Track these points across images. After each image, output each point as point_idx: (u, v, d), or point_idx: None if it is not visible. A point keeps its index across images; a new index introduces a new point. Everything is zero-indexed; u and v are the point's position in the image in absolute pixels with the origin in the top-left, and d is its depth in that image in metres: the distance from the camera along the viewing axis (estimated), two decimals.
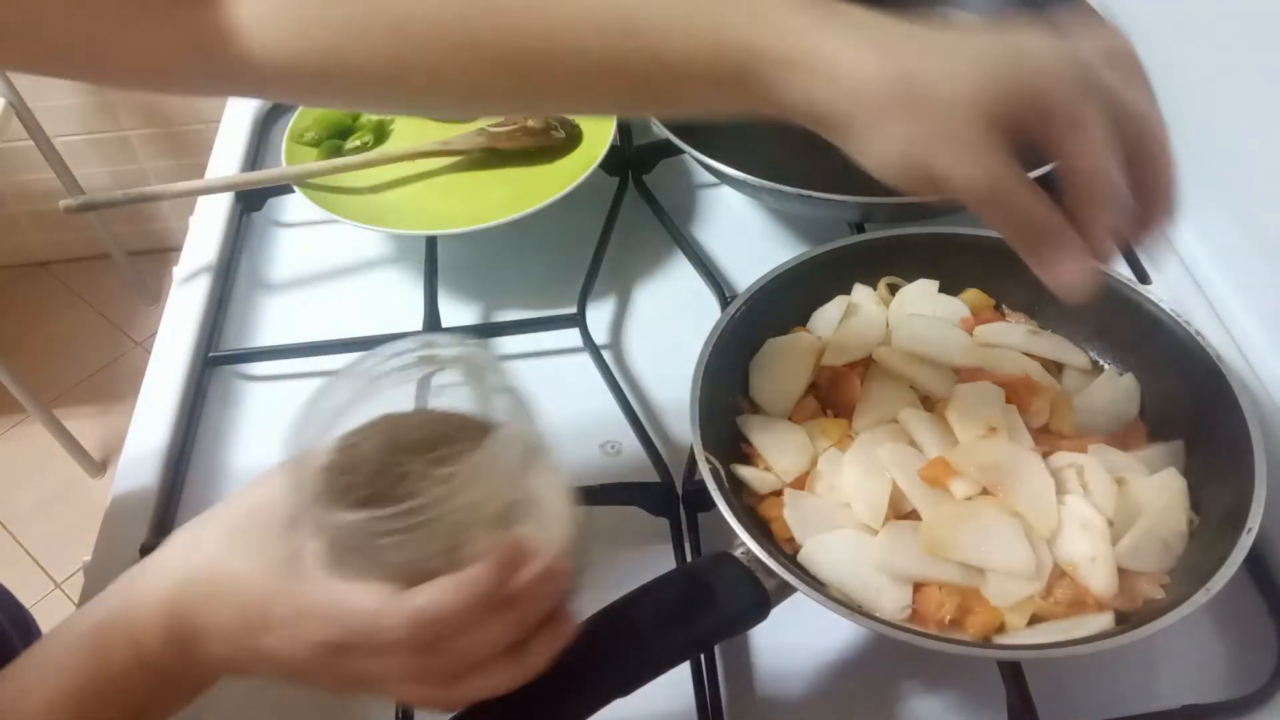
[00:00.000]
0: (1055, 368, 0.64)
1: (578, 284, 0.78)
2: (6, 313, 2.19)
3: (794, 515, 0.57)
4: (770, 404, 0.64)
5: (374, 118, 0.90)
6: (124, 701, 0.43)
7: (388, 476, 0.41)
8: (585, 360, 0.74)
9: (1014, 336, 0.65)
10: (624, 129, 0.90)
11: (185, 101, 1.96)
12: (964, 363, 0.63)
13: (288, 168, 0.84)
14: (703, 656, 0.57)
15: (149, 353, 0.78)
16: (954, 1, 0.92)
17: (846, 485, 0.58)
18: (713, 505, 0.54)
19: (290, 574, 0.40)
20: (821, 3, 0.43)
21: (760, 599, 0.50)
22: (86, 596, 0.63)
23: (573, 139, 0.86)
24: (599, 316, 0.78)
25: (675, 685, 0.55)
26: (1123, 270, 0.73)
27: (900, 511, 0.56)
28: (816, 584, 0.53)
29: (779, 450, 0.60)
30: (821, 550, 0.55)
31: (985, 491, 0.55)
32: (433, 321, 0.76)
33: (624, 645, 0.48)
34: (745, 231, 0.84)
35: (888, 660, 0.58)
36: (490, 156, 0.87)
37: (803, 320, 0.68)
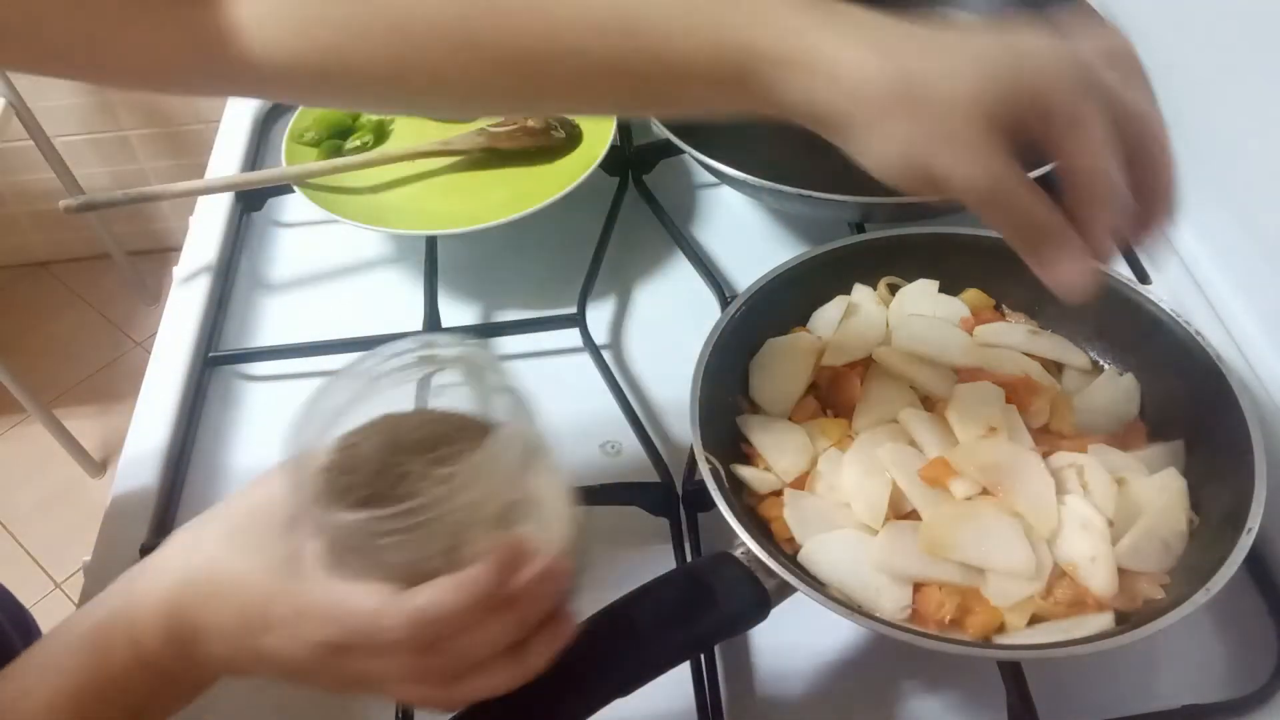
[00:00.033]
0: (1055, 368, 0.64)
1: (578, 284, 0.78)
2: (6, 313, 2.19)
3: (794, 515, 0.57)
4: (770, 404, 0.64)
5: (374, 118, 0.90)
6: (124, 701, 0.42)
7: (388, 476, 0.41)
8: (585, 360, 0.74)
9: (1014, 336, 0.65)
10: (624, 129, 0.90)
11: (185, 101, 1.96)
12: (964, 363, 0.63)
13: (288, 168, 0.84)
14: (703, 656, 0.57)
15: (149, 353, 0.78)
16: (954, 1, 0.93)
17: (846, 485, 0.58)
18: (713, 505, 0.54)
19: (290, 574, 0.40)
20: (821, 3, 0.43)
21: (760, 599, 0.50)
22: (86, 596, 0.63)
23: (573, 139, 0.86)
24: (599, 316, 0.78)
25: (675, 685, 0.55)
26: (1123, 270, 0.73)
27: (900, 511, 0.56)
28: (816, 584, 0.53)
29: (779, 450, 0.60)
30: (821, 550, 0.55)
31: (985, 491, 0.55)
32: (433, 321, 0.76)
33: (624, 645, 0.48)
34: (745, 231, 0.84)
35: (888, 660, 0.58)
36: (490, 156, 0.87)
37: (803, 320, 0.68)
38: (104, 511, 0.68)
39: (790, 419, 0.63)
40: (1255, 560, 0.59)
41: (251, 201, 0.89)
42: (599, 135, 0.85)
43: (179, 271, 0.84)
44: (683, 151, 0.78)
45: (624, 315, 0.79)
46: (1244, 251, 0.71)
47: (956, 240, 0.67)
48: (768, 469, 0.60)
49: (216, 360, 0.77)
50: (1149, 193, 0.43)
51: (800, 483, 0.59)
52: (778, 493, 0.59)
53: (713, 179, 0.82)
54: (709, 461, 0.56)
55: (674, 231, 0.82)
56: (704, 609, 0.50)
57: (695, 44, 0.43)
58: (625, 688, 0.48)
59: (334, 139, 0.87)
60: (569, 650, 0.42)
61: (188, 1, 0.47)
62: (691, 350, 0.61)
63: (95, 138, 2.04)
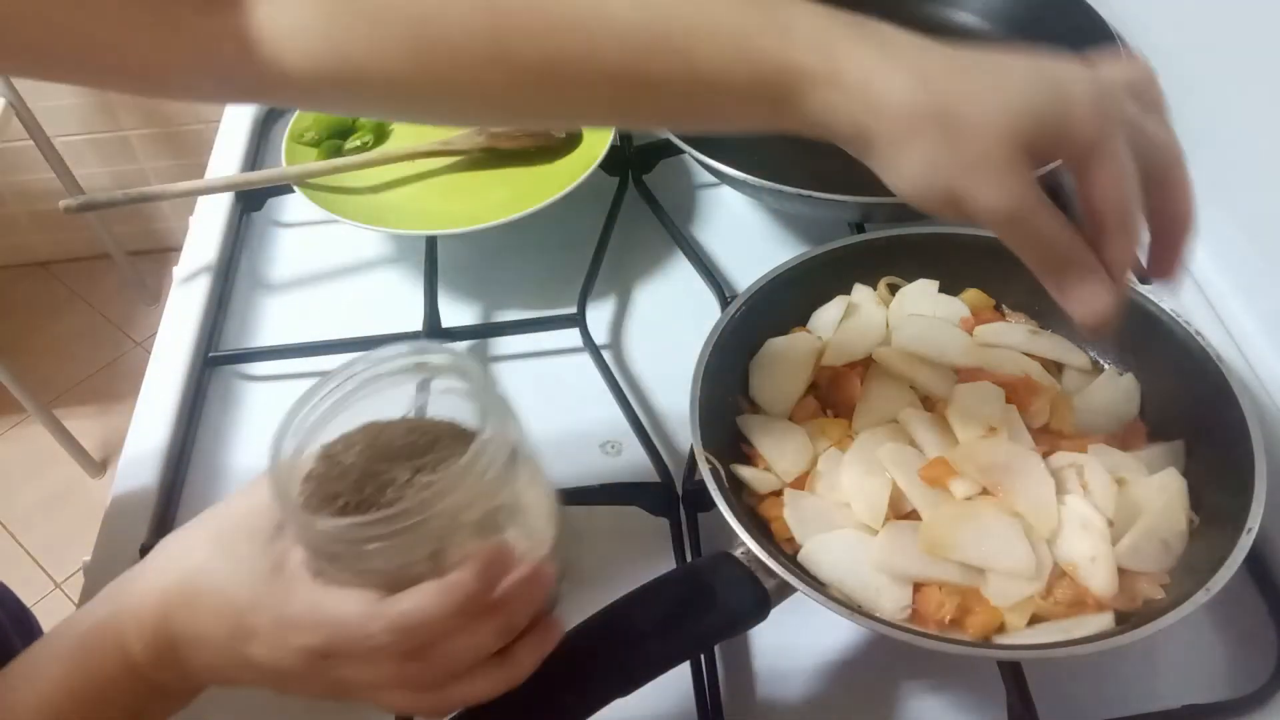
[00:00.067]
0: (1055, 368, 0.64)
1: (578, 284, 0.78)
2: (7, 313, 2.19)
3: (794, 515, 0.57)
4: (770, 404, 0.64)
5: None
6: (112, 710, 0.43)
7: (372, 484, 0.41)
8: (585, 360, 0.74)
9: (1014, 336, 0.65)
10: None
11: (186, 102, 1.96)
12: (964, 363, 0.63)
13: (288, 168, 0.84)
14: (703, 656, 0.57)
15: (149, 353, 0.78)
16: (954, 1, 0.93)
17: (846, 485, 0.58)
18: (713, 505, 0.54)
19: (275, 581, 0.40)
20: (853, 20, 0.43)
21: (760, 599, 0.50)
22: (86, 596, 0.63)
23: (573, 139, 0.86)
24: (599, 316, 0.78)
25: (675, 685, 0.55)
26: None
27: (900, 511, 0.56)
28: (816, 584, 0.53)
29: (779, 450, 0.60)
30: (821, 550, 0.55)
31: (985, 491, 0.55)
32: (433, 321, 0.76)
33: (624, 645, 0.48)
34: (745, 231, 0.84)
35: (888, 660, 0.58)
36: (490, 156, 0.87)
37: (803, 320, 0.68)
38: (104, 511, 0.68)
39: (790, 419, 0.63)
40: (1255, 560, 0.59)
41: (251, 201, 0.89)
42: (599, 135, 0.85)
43: (179, 271, 0.84)
44: (683, 151, 0.78)
45: (624, 315, 0.79)
46: (1244, 251, 0.71)
47: (956, 240, 0.67)
48: (768, 469, 0.60)
49: (216, 360, 0.77)
50: (1168, 221, 0.43)
51: (800, 483, 0.59)
52: (778, 493, 0.59)
53: (713, 179, 0.82)
54: (709, 461, 0.56)
55: (674, 231, 0.82)
56: (704, 609, 0.50)
57: (728, 59, 0.43)
58: (625, 688, 0.48)
59: (334, 139, 0.87)
60: (569, 650, 0.42)
61: (202, 8, 0.46)
62: (691, 350, 0.61)
63: (95, 138, 2.04)
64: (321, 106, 0.64)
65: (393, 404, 0.44)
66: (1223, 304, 0.72)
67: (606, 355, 0.75)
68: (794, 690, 0.58)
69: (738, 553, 0.52)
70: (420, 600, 0.38)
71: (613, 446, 0.70)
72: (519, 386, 0.75)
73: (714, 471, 0.56)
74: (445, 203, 0.83)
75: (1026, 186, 0.40)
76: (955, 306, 0.68)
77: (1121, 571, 0.53)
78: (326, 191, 0.82)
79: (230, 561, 0.41)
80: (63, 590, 1.74)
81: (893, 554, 0.54)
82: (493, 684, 0.41)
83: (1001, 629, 0.53)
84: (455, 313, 0.79)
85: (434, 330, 0.76)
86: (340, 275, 0.85)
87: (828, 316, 0.67)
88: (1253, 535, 0.50)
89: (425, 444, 0.42)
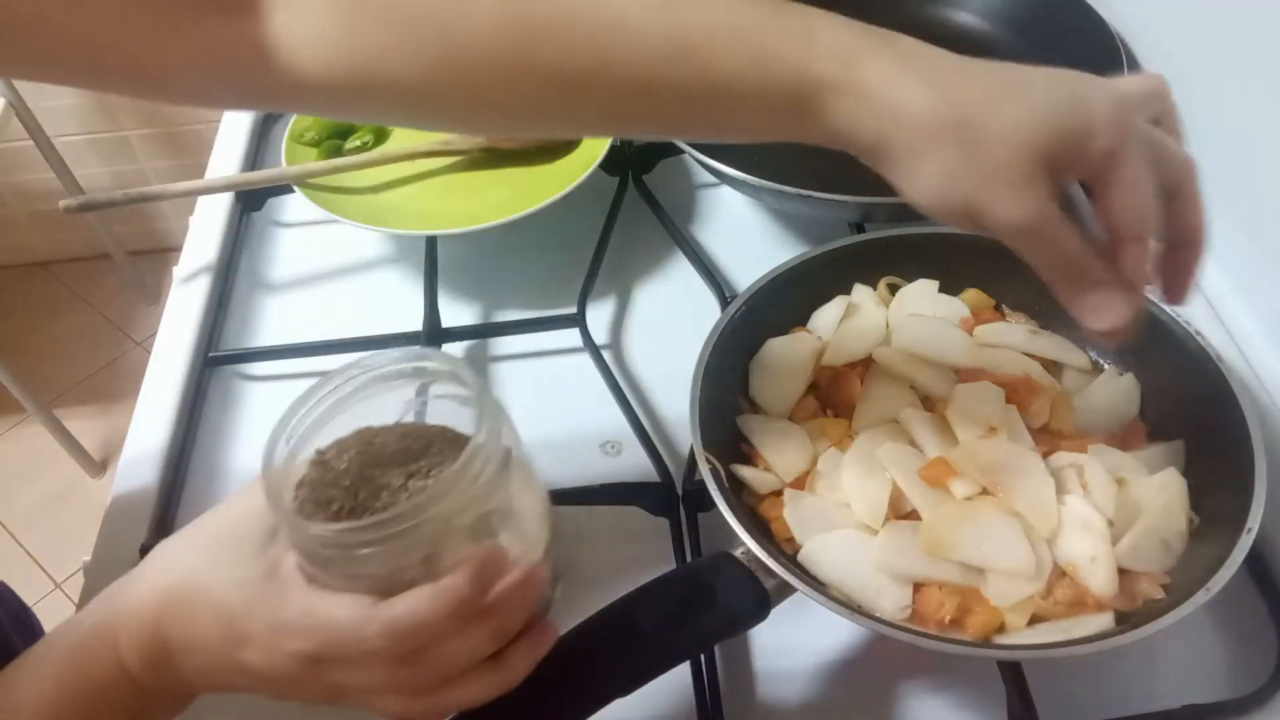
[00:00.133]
0: (1055, 368, 0.64)
1: (578, 284, 0.78)
2: (7, 313, 2.19)
3: (794, 515, 0.57)
4: (770, 404, 0.64)
5: None
6: (110, 714, 0.43)
7: (366, 489, 0.41)
8: (585, 360, 0.74)
9: (1014, 336, 0.65)
10: None
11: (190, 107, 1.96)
12: (964, 363, 0.63)
13: (288, 168, 0.84)
14: (703, 656, 0.57)
15: (149, 353, 0.78)
16: (955, 2, 0.93)
17: (846, 485, 0.58)
18: (713, 505, 0.54)
19: (269, 586, 0.40)
20: (874, 31, 0.43)
21: (760, 599, 0.50)
22: (86, 596, 0.63)
23: (573, 139, 0.86)
24: (599, 316, 0.78)
25: (675, 685, 0.55)
26: None
27: (900, 511, 0.56)
28: (816, 584, 0.53)
29: (779, 450, 0.60)
30: (821, 550, 0.55)
31: (985, 491, 0.55)
32: (433, 321, 0.76)
33: (624, 645, 0.48)
34: (745, 231, 0.84)
35: (888, 660, 0.58)
36: (490, 156, 0.87)
37: (803, 320, 0.68)
38: (104, 511, 0.68)
39: (790, 419, 0.63)
40: (1255, 560, 0.59)
41: (251, 201, 0.89)
42: None
43: (179, 271, 0.84)
44: (683, 151, 0.78)
45: (624, 315, 0.79)
46: (1244, 251, 0.71)
47: (956, 240, 0.67)
48: (768, 469, 0.60)
49: (216, 360, 0.77)
50: (1181, 234, 0.44)
51: (800, 483, 0.59)
52: (778, 493, 0.59)
53: (713, 179, 0.82)
54: (709, 461, 0.56)
55: (674, 231, 0.82)
56: (704, 609, 0.50)
57: (747, 68, 0.43)
58: (625, 688, 0.48)
59: (334, 139, 0.87)
60: (569, 650, 0.43)
61: (217, 14, 0.46)
62: (691, 350, 0.61)
63: (95, 138, 2.04)
64: (335, 114, 0.64)
65: (386, 409, 0.44)
66: (1223, 304, 0.72)
67: (606, 355, 0.75)
68: (794, 690, 0.58)
69: (738, 553, 0.52)
70: (414, 604, 0.38)
71: (613, 446, 0.70)
72: (519, 387, 0.75)
73: (714, 471, 0.56)
74: (445, 203, 0.83)
75: (1044, 200, 0.40)
76: (955, 306, 0.68)
77: (1121, 571, 0.53)
78: (326, 191, 0.82)
79: (224, 567, 0.41)
80: (63, 590, 1.74)
81: (893, 554, 0.54)
82: (486, 688, 0.41)
83: (1001, 629, 0.53)
84: (455, 313, 0.79)
85: (434, 330, 0.76)
86: (340, 275, 0.85)
87: (828, 316, 0.67)
88: (1253, 535, 0.50)
89: (418, 449, 0.43)
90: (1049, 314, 0.67)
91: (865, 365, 0.64)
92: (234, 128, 0.97)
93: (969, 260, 0.68)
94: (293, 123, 0.88)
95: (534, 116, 0.49)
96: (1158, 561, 0.54)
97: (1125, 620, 0.52)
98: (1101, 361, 0.66)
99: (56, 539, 1.81)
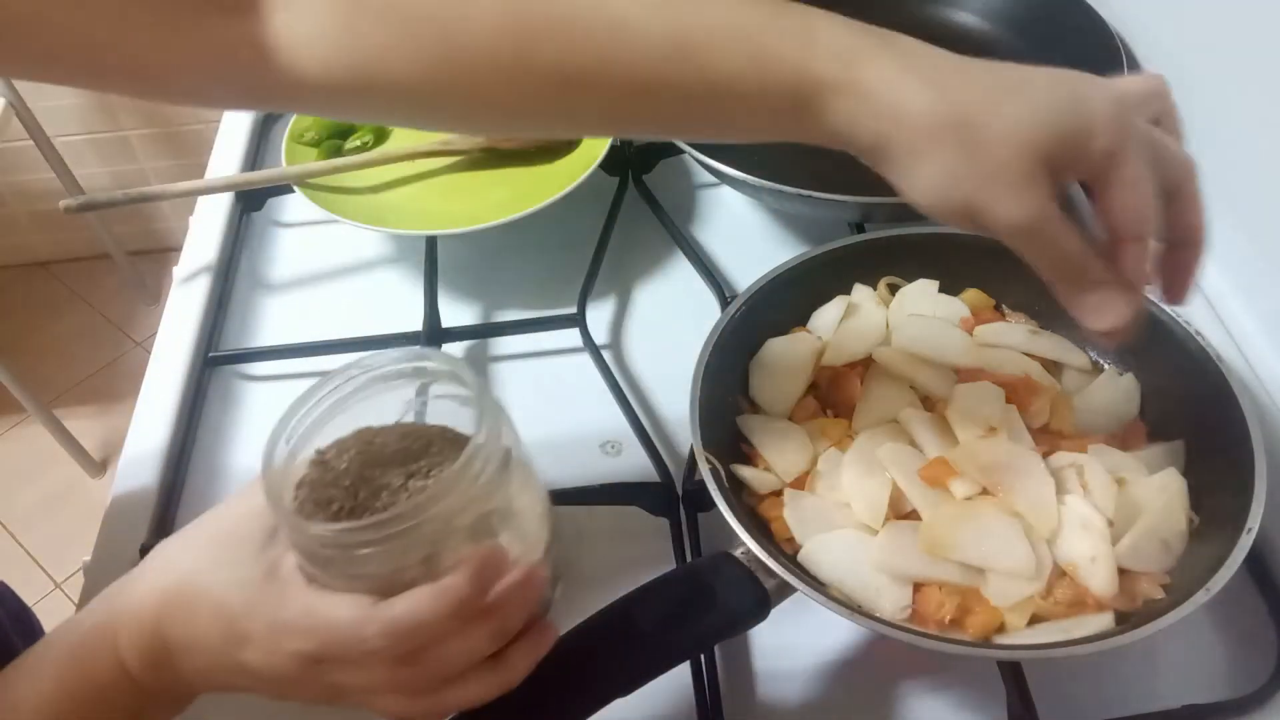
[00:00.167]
0: (1055, 368, 0.64)
1: (578, 284, 0.78)
2: (6, 313, 2.19)
3: (794, 515, 0.57)
4: (770, 404, 0.64)
5: None
6: (110, 714, 0.43)
7: (366, 489, 0.41)
8: (585, 360, 0.74)
9: (1014, 336, 0.65)
10: None
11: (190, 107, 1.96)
12: (964, 363, 0.63)
13: (288, 168, 0.84)
14: (703, 656, 0.57)
15: (149, 353, 0.78)
16: (954, 2, 0.93)
17: (846, 485, 0.58)
18: (713, 505, 0.54)
19: (269, 587, 0.40)
20: (874, 31, 0.43)
21: (760, 599, 0.50)
22: (87, 596, 0.63)
23: (573, 139, 0.86)
24: (599, 316, 0.78)
25: (675, 685, 0.55)
26: None
27: (900, 511, 0.56)
28: (816, 584, 0.53)
29: (779, 450, 0.60)
30: (821, 550, 0.55)
31: (985, 491, 0.55)
32: (433, 321, 0.76)
33: (624, 645, 0.48)
34: (745, 231, 0.84)
35: (888, 660, 0.58)
36: (490, 156, 0.87)
37: (803, 320, 0.68)
38: (104, 511, 0.68)
39: (790, 419, 0.63)
40: (1255, 560, 0.59)
41: (251, 201, 0.89)
42: None
43: (179, 271, 0.84)
44: (683, 151, 0.78)
45: (624, 315, 0.79)
46: (1244, 251, 0.71)
47: (956, 240, 0.67)
48: (768, 469, 0.60)
49: (216, 360, 0.77)
50: (1181, 235, 0.44)
51: (800, 483, 0.59)
52: (778, 493, 0.59)
53: (713, 179, 0.82)
54: (709, 461, 0.56)
55: (674, 231, 0.82)
56: (704, 609, 0.50)
57: (748, 68, 0.43)
58: (625, 688, 0.48)
59: (334, 139, 0.87)
60: (569, 650, 0.42)
61: (217, 14, 0.46)
62: (691, 350, 0.61)
63: (95, 138, 2.04)
64: (335, 114, 0.63)
65: (386, 409, 0.44)
66: (1223, 304, 0.72)
67: (606, 355, 0.75)
68: (794, 690, 0.58)
69: (738, 553, 0.52)
70: (413, 604, 0.38)
71: (613, 446, 0.70)
72: (519, 387, 0.75)
73: (714, 471, 0.56)
74: (445, 203, 0.83)
75: (1045, 200, 0.40)
76: (955, 306, 0.68)
77: (1121, 571, 0.53)
78: (326, 191, 0.82)
79: (224, 567, 0.41)
80: (63, 590, 1.74)
81: (893, 554, 0.54)
82: (486, 688, 0.41)
83: (1001, 629, 0.53)
84: (455, 313, 0.79)
85: (434, 330, 0.76)
86: (340, 275, 0.85)
87: (828, 316, 0.67)
88: (1253, 535, 0.50)
89: (418, 449, 0.43)
90: (1049, 314, 0.67)
91: (865, 365, 0.64)
92: (234, 128, 0.97)
93: (969, 260, 0.68)
94: (293, 123, 0.88)
95: (534, 116, 0.49)
96: (1158, 561, 0.54)
97: (1125, 620, 0.52)
98: (1101, 361, 0.66)
99: (56, 539, 1.81)
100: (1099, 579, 0.52)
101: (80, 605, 0.51)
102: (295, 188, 0.83)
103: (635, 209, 0.85)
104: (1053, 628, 0.52)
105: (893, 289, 0.69)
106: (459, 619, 0.39)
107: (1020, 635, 0.52)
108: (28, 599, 0.73)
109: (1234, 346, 0.70)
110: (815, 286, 0.68)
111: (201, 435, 0.73)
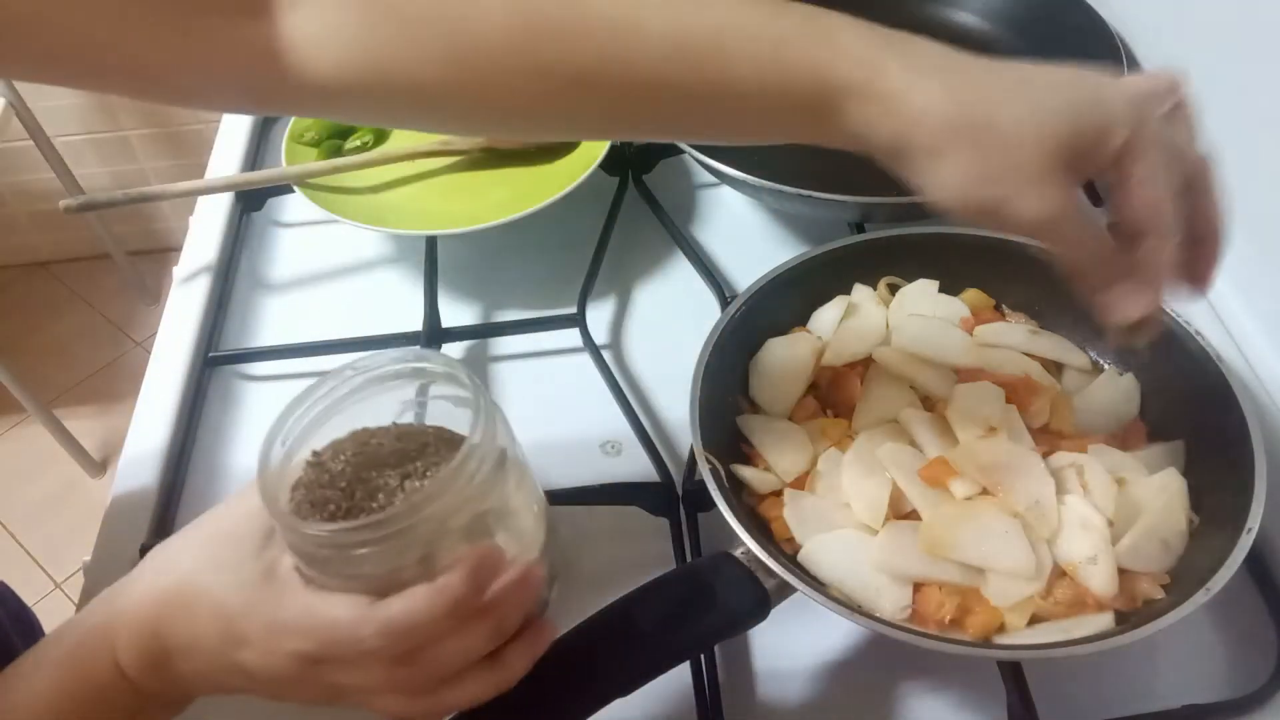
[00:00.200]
0: (1055, 368, 0.64)
1: (578, 284, 0.78)
2: (6, 313, 2.19)
3: (794, 515, 0.57)
4: (770, 404, 0.64)
5: None
6: (109, 714, 0.43)
7: (362, 489, 0.41)
8: (585, 360, 0.74)
9: (1014, 336, 0.65)
10: None
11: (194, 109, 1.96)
12: (964, 363, 0.63)
13: (288, 168, 0.84)
14: (703, 656, 0.57)
15: (149, 353, 0.78)
16: (954, 1, 0.93)
17: (846, 485, 0.58)
18: (713, 505, 0.54)
19: (266, 587, 0.40)
20: (888, 32, 0.43)
21: (760, 599, 0.50)
22: (86, 596, 0.63)
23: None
24: (599, 316, 0.78)
25: (675, 685, 0.55)
26: None
27: (900, 511, 0.56)
28: (816, 584, 0.53)
29: (779, 450, 0.60)
30: (821, 550, 0.55)
31: (985, 491, 0.55)
32: (432, 321, 0.76)
33: (624, 645, 0.48)
34: (745, 231, 0.84)
35: (888, 660, 0.58)
36: (490, 156, 0.87)
37: (803, 320, 0.68)
38: (104, 511, 0.68)
39: (790, 419, 0.63)
40: (1255, 560, 0.59)
41: (251, 201, 0.89)
42: None
43: (179, 271, 0.84)
44: (683, 151, 0.78)
45: (624, 315, 0.79)
46: (1244, 252, 0.70)
47: (956, 240, 0.67)
48: (768, 469, 0.60)
49: (216, 360, 0.77)
50: (1200, 230, 0.44)
51: (800, 483, 0.59)
52: (778, 493, 0.59)
53: (713, 179, 0.82)
54: (709, 461, 0.56)
55: (674, 231, 0.82)
56: (704, 609, 0.50)
57: (763, 70, 0.43)
58: (625, 688, 0.48)
59: (334, 139, 0.87)
60: (569, 650, 0.42)
61: (226, 14, 0.45)
62: (691, 350, 0.61)
63: (95, 138, 2.04)
64: (342, 115, 0.63)
65: (383, 410, 0.44)
66: (1223, 304, 0.72)
67: (606, 355, 0.75)
68: (794, 690, 0.58)
69: (738, 553, 0.52)
70: (410, 604, 0.38)
71: (613, 446, 0.70)
72: (519, 387, 0.75)
73: (714, 471, 0.56)
74: (445, 203, 0.83)
75: (1065, 195, 0.41)
76: (955, 306, 0.68)
77: (1121, 571, 0.53)
78: (326, 191, 0.82)
79: (221, 568, 0.41)
80: (63, 590, 1.74)
81: (893, 554, 0.54)
82: (484, 687, 0.41)
83: (1001, 629, 0.53)
84: (455, 313, 0.79)
85: (434, 330, 0.76)
86: (340, 275, 0.85)
87: (828, 316, 0.67)
88: (1253, 535, 0.50)
89: (414, 450, 0.43)
90: (1049, 314, 0.67)
91: (865, 365, 0.64)
92: (234, 128, 0.97)
93: (969, 260, 0.68)
94: (293, 123, 0.88)
95: (544, 118, 0.49)
96: (1158, 561, 0.54)
97: (1125, 620, 0.52)
98: (1101, 361, 0.66)
99: (56, 539, 1.81)
100: (1099, 579, 0.52)
101: (80, 605, 0.52)
102: (295, 188, 0.83)
103: (635, 209, 0.85)
104: (1053, 628, 0.52)
105: (893, 289, 0.69)
106: (456, 618, 0.39)
107: (1020, 635, 0.52)
108: (28, 599, 0.73)
109: (1234, 346, 0.70)
110: (815, 286, 0.68)
111: (201, 435, 0.73)
